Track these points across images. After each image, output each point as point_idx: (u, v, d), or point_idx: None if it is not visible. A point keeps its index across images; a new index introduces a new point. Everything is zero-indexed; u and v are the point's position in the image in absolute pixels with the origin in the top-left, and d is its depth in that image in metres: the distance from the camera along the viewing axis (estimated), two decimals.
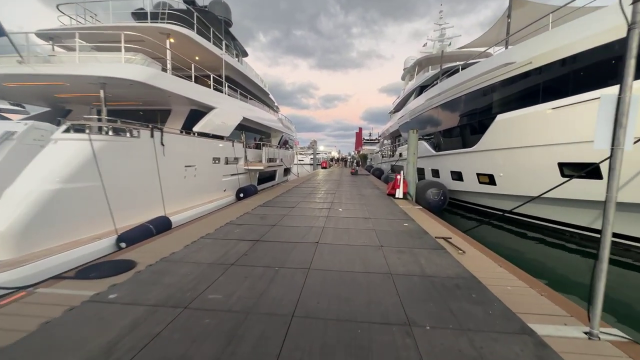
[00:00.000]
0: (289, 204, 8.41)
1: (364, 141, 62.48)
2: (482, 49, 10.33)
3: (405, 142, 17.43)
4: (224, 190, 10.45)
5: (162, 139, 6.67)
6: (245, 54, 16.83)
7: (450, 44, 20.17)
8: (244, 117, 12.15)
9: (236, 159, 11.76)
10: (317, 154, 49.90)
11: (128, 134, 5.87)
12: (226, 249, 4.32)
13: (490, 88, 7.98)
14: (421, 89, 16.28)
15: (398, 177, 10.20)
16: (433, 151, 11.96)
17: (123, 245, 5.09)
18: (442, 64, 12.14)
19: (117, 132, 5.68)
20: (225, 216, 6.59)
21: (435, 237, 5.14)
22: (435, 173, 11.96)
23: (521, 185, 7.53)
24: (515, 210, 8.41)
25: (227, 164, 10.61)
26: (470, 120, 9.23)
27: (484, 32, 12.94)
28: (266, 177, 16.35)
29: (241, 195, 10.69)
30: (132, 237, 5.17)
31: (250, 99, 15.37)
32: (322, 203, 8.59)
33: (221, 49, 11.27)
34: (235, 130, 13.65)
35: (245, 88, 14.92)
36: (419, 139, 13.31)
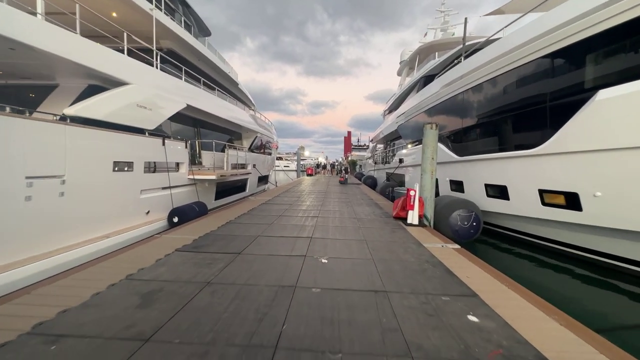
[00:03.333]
0: (237, 243, 4.85)
1: (353, 147, 59.72)
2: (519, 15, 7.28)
3: (407, 145, 14.24)
4: (147, 213, 6.75)
5: None
6: (206, 33, 13.28)
7: (454, 34, 17.37)
8: (188, 106, 8.54)
9: (177, 165, 8.11)
10: (303, 160, 46.54)
11: None
12: None
13: (583, 46, 4.77)
14: (426, 79, 13.22)
15: (411, 193, 6.83)
16: (454, 155, 8.73)
17: None
18: (464, 40, 9.02)
19: None
20: (66, 293, 2.97)
21: None
22: (458, 186, 8.71)
23: None
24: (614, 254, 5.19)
25: (152, 171, 6.95)
26: (527, 107, 6.00)
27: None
28: (232, 189, 12.70)
29: (175, 219, 7.03)
30: None
31: (218, 89, 11.79)
32: (293, 239, 5.08)
33: (150, 2, 7.67)
34: (187, 125, 10.04)
35: (202, 71, 11.33)
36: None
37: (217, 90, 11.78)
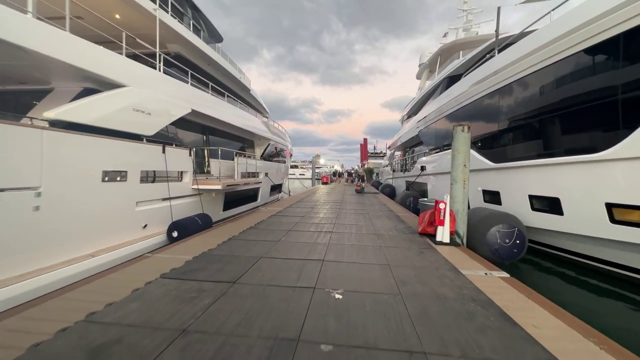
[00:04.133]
0: (234, 267, 4.09)
1: (369, 155, 58.58)
2: None
3: (431, 151, 13.17)
4: (144, 227, 6.16)
5: None
6: (218, 38, 13.01)
7: (477, 33, 16.30)
8: (194, 111, 8.03)
9: (180, 174, 7.56)
10: (318, 168, 45.98)
11: None
12: None
13: None
14: (450, 80, 12.22)
15: (441, 206, 5.88)
16: (487, 162, 7.65)
17: None
18: (498, 32, 7.98)
19: None
20: (1, 342, 2.29)
21: None
22: (492, 197, 7.61)
23: None
24: None
25: (151, 181, 6.39)
26: (588, 103, 4.91)
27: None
28: (242, 198, 12.10)
29: (175, 234, 6.40)
30: None
31: (229, 95, 11.38)
32: (302, 263, 4.25)
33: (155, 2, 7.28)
34: (195, 132, 9.59)
35: (212, 77, 10.94)
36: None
37: (228, 95, 11.33)
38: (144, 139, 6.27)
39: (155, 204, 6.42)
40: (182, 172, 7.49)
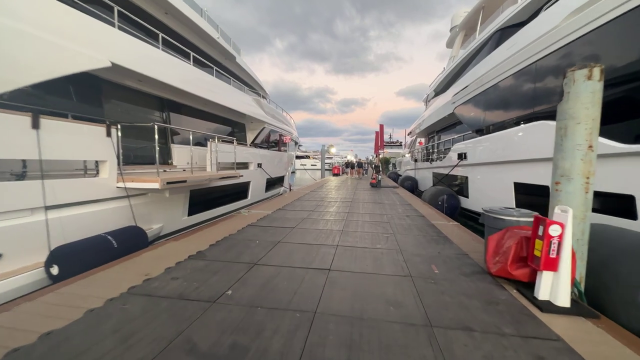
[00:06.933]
0: None
1: (385, 144, 54.73)
2: None
3: (476, 132, 9.84)
4: None
5: None
6: None
7: None
8: (118, 67, 5.17)
9: (95, 166, 4.82)
10: (329, 158, 42.94)
11: None
12: None
13: None
14: (502, 34, 8.81)
15: (552, 230, 2.82)
16: (608, 143, 4.42)
17: None
18: None
19: None
20: None
21: None
22: (613, 204, 4.42)
23: None
24: None
25: (15, 178, 3.65)
26: None
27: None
28: (223, 197, 9.40)
29: (54, 270, 3.66)
30: None
31: (195, 56, 8.53)
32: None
33: None
34: (151, 108, 6.86)
35: (171, 31, 8.07)
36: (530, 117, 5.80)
37: (197, 59, 8.40)
38: None
39: (23, 218, 3.71)
40: (97, 162, 4.74)
